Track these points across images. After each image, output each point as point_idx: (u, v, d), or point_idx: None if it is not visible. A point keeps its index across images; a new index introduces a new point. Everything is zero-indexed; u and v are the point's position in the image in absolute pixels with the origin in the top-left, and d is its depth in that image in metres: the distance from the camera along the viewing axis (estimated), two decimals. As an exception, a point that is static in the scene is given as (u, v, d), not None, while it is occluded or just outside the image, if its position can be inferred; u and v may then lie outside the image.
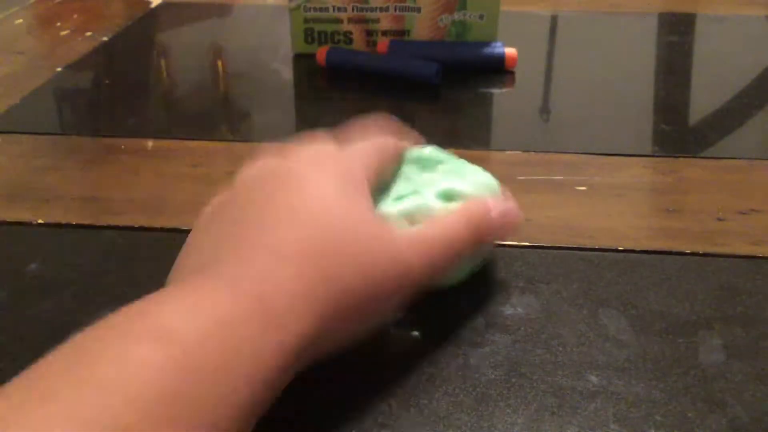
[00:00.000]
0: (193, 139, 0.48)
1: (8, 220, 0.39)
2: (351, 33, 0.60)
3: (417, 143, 0.35)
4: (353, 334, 0.27)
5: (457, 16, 0.59)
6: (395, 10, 0.59)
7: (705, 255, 0.35)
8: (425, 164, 0.34)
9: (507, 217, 0.32)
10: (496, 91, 0.55)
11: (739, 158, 0.44)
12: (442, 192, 0.32)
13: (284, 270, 0.25)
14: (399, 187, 0.33)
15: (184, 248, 0.28)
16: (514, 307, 0.32)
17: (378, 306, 0.27)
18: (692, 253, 0.36)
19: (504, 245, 0.36)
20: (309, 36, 0.61)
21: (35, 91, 0.56)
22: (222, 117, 0.52)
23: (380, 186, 0.32)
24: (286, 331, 0.23)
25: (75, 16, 0.73)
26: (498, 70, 0.58)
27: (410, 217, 0.31)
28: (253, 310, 0.23)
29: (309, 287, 0.25)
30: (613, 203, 0.40)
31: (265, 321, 0.23)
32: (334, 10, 0.59)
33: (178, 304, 0.23)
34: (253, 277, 0.24)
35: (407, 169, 0.34)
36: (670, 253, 0.36)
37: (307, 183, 0.28)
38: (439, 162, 0.34)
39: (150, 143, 0.47)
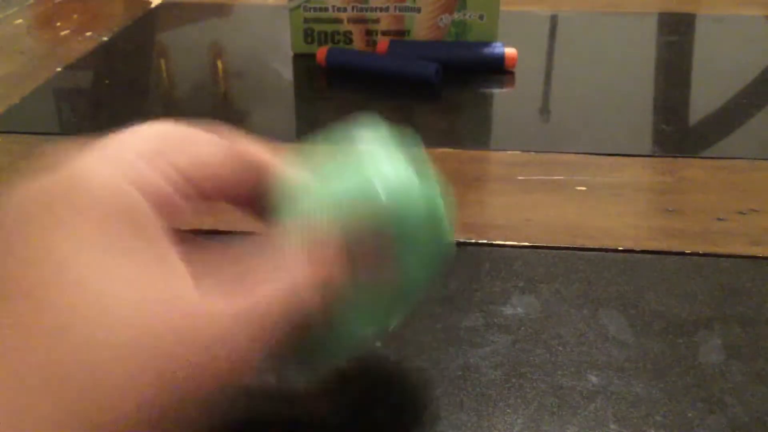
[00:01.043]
0: (193, 139, 0.48)
1: (8, 220, 0.39)
2: (351, 33, 0.60)
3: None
4: None
5: (456, 16, 0.59)
6: (395, 10, 0.59)
7: (705, 255, 0.35)
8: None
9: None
10: (496, 91, 0.56)
11: (739, 158, 0.44)
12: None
13: None
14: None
15: None
16: (513, 307, 0.32)
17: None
18: (692, 253, 0.36)
19: (504, 245, 0.36)
20: (309, 36, 0.61)
21: (35, 91, 0.56)
22: (222, 117, 0.52)
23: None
24: None
25: (75, 16, 0.73)
26: (498, 70, 0.58)
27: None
28: None
29: None
30: (612, 203, 0.40)
31: None
32: (333, 10, 0.59)
33: None
34: None
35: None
36: (669, 253, 0.36)
37: (48, 251, 0.17)
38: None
39: (150, 143, 0.47)
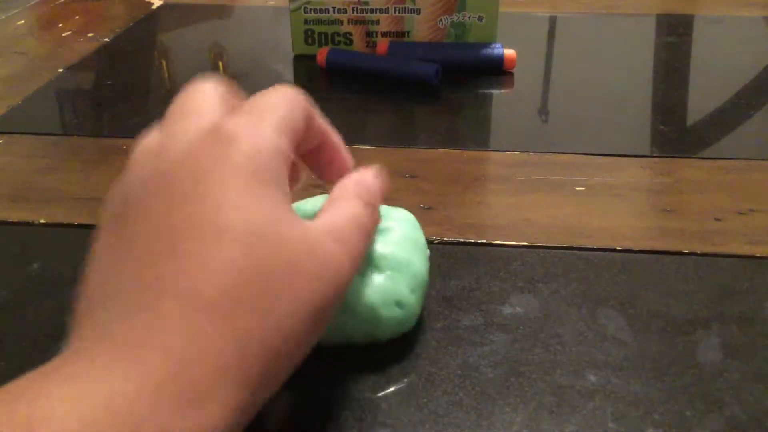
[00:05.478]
0: (193, 140, 0.48)
1: (10, 220, 0.40)
2: (351, 34, 0.60)
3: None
4: (294, 366, 0.22)
5: (456, 17, 0.59)
6: (395, 11, 0.59)
7: (703, 255, 0.36)
8: None
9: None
10: (495, 92, 0.56)
11: (737, 158, 0.45)
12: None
13: (206, 329, 0.19)
14: None
15: (89, 274, 0.23)
16: (513, 307, 0.32)
17: (319, 326, 0.23)
18: (690, 253, 0.36)
19: (503, 245, 0.37)
20: (309, 37, 0.61)
21: (37, 92, 0.56)
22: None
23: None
24: (209, 412, 0.19)
25: (76, 17, 0.73)
26: (497, 71, 0.58)
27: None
28: (164, 392, 0.18)
29: (240, 345, 0.20)
30: (611, 203, 0.40)
31: (181, 403, 0.18)
32: (334, 11, 0.59)
33: (62, 386, 0.18)
34: (165, 344, 0.19)
35: None
36: (668, 252, 0.36)
37: (207, 186, 0.22)
38: None
39: (151, 144, 0.47)
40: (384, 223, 0.31)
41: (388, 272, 0.29)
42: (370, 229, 0.26)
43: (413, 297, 0.29)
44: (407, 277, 0.29)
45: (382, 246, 0.29)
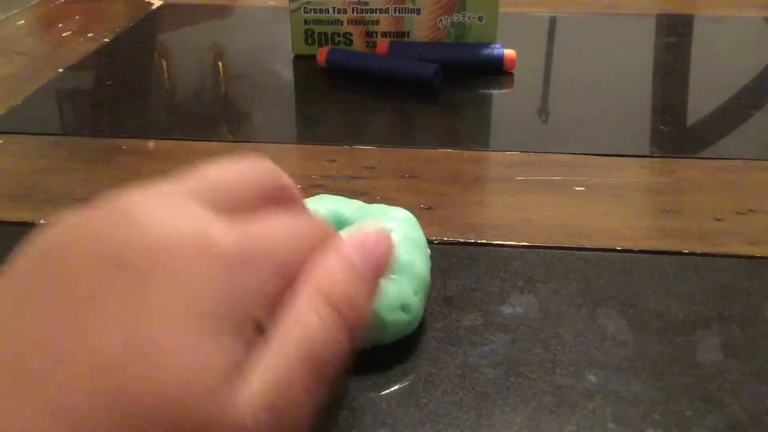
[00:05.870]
0: (194, 140, 0.48)
1: (10, 220, 0.40)
2: (351, 34, 0.60)
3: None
4: None
5: (456, 17, 0.59)
6: (395, 11, 0.59)
7: (703, 255, 0.36)
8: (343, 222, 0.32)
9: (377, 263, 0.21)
10: (495, 92, 0.56)
11: (737, 158, 0.45)
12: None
13: None
14: None
15: None
16: (512, 307, 0.32)
17: None
18: (690, 253, 0.36)
19: (503, 245, 0.37)
20: (309, 37, 0.61)
21: (37, 92, 0.56)
22: (223, 118, 0.52)
23: None
24: None
25: (76, 17, 0.73)
26: (497, 71, 0.58)
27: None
28: None
29: None
30: (611, 203, 0.40)
31: None
32: (334, 11, 0.59)
33: None
34: None
35: None
36: (668, 253, 0.36)
37: (144, 305, 0.17)
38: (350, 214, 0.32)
39: (151, 144, 0.48)
40: (384, 224, 0.31)
41: (392, 276, 0.29)
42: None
43: (417, 299, 0.29)
44: (410, 279, 0.29)
45: None
